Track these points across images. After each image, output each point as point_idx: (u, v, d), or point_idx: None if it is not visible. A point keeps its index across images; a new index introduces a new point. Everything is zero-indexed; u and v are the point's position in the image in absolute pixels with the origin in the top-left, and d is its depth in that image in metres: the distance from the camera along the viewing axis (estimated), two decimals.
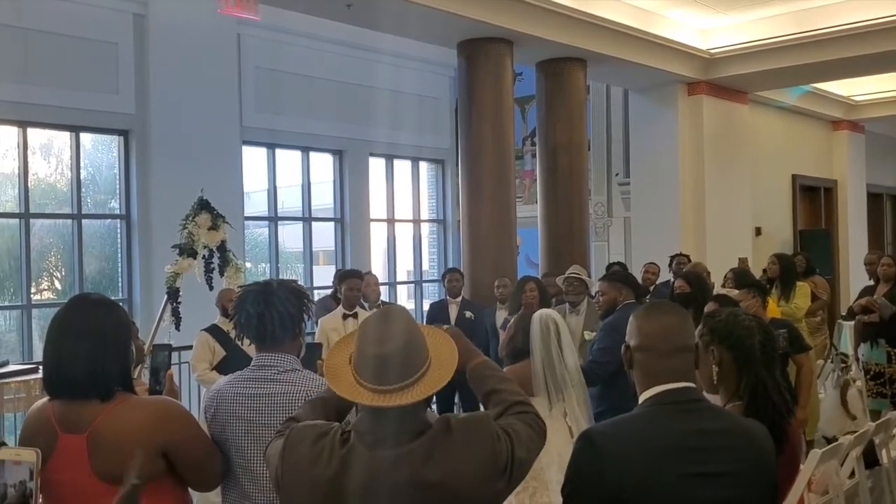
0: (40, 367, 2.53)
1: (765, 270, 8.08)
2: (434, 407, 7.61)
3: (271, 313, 2.48)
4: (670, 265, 8.46)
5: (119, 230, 9.50)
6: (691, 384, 2.01)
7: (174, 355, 6.11)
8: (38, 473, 2.07)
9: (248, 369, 2.54)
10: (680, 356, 2.00)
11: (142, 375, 3.13)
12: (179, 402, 2.50)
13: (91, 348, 2.24)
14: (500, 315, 7.10)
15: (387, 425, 1.81)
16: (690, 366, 2.03)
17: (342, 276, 6.89)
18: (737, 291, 5.43)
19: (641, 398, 2.01)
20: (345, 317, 6.48)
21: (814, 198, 13.96)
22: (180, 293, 6.60)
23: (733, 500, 1.92)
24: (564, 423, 4.08)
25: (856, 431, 4.84)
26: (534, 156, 10.62)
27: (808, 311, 7.81)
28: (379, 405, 1.80)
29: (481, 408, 2.13)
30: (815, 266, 9.03)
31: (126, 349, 2.34)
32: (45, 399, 2.34)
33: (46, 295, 9.43)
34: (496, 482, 1.85)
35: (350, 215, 11.55)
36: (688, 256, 8.54)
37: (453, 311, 7.46)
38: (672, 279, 7.83)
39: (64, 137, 9.16)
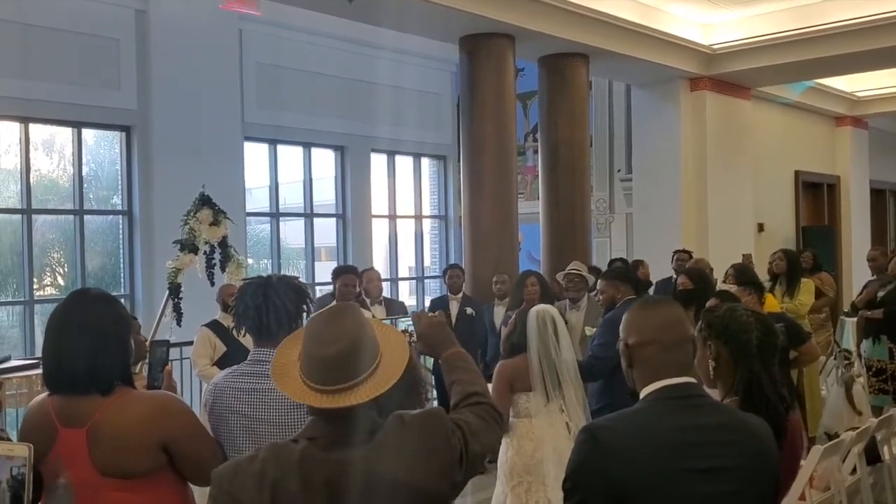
0: None
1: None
2: (435, 403, 7.61)
3: (268, 306, 2.48)
4: (672, 261, 8.44)
5: (121, 226, 9.51)
6: (692, 380, 2.01)
7: (175, 351, 6.15)
8: (31, 468, 2.07)
9: (245, 364, 2.53)
10: (681, 348, 2.00)
11: (142, 371, 3.13)
12: (178, 396, 2.50)
13: (92, 343, 2.23)
14: (499, 311, 7.09)
15: (339, 427, 1.78)
16: (691, 358, 2.04)
17: (337, 272, 6.89)
18: (736, 287, 5.43)
19: (642, 394, 2.01)
20: None
21: (817, 194, 13.94)
22: (182, 289, 6.61)
23: (734, 494, 1.91)
24: (561, 418, 4.08)
25: (859, 427, 4.84)
26: (535, 152, 10.61)
27: (814, 307, 7.79)
28: (325, 406, 1.77)
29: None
30: (822, 263, 8.97)
31: (126, 344, 2.34)
32: (45, 394, 2.34)
33: (49, 291, 9.44)
34: (454, 475, 1.85)
35: (352, 211, 11.55)
36: (689, 253, 8.51)
37: (454, 308, 7.45)
38: (674, 275, 7.83)
39: (66, 133, 9.17)
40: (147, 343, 4.24)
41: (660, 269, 8.75)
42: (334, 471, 1.74)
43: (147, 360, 2.71)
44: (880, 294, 7.18)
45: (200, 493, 4.79)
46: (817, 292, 7.85)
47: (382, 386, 1.81)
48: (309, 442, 1.78)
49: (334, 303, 6.72)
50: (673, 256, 8.49)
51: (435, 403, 7.58)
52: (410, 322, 2.33)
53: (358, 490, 1.74)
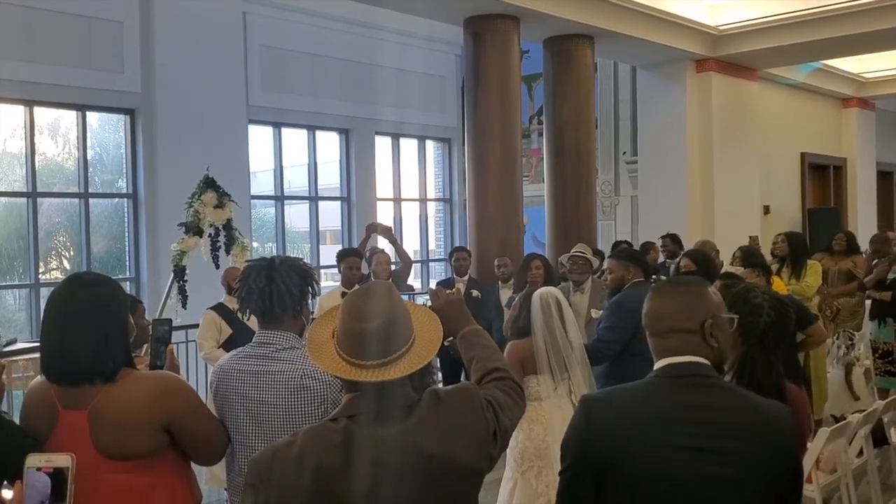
0: None
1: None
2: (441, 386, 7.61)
3: (272, 290, 2.46)
4: (661, 246, 8.38)
5: (126, 209, 9.52)
6: (699, 359, 1.95)
7: (181, 333, 6.16)
8: (73, 478, 1.95)
9: (250, 346, 2.52)
10: (672, 336, 1.97)
11: (145, 353, 3.11)
12: (180, 376, 2.48)
13: (93, 335, 2.20)
14: (504, 293, 7.08)
15: (378, 403, 1.79)
16: (690, 345, 1.96)
17: (341, 255, 6.88)
18: (742, 269, 5.41)
19: (654, 369, 2.03)
20: (343, 295, 6.46)
21: (823, 176, 13.87)
22: (187, 271, 6.61)
23: (730, 478, 1.86)
24: (569, 400, 4.05)
25: (862, 410, 4.83)
26: (540, 134, 10.57)
27: (846, 291, 7.71)
28: (365, 380, 1.78)
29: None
30: (858, 245, 8.34)
31: (125, 326, 2.31)
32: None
33: (55, 274, 9.46)
34: (490, 449, 1.88)
35: (356, 194, 11.53)
36: (672, 237, 8.43)
37: (460, 290, 7.43)
38: (663, 259, 7.83)
39: (70, 116, 9.17)
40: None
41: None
42: (379, 447, 1.75)
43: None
44: (890, 276, 7.15)
45: (208, 472, 4.79)
46: (851, 276, 7.75)
47: (419, 362, 1.84)
48: (349, 420, 1.78)
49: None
50: (661, 241, 8.40)
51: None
52: (428, 298, 2.33)
53: (403, 466, 1.75)
